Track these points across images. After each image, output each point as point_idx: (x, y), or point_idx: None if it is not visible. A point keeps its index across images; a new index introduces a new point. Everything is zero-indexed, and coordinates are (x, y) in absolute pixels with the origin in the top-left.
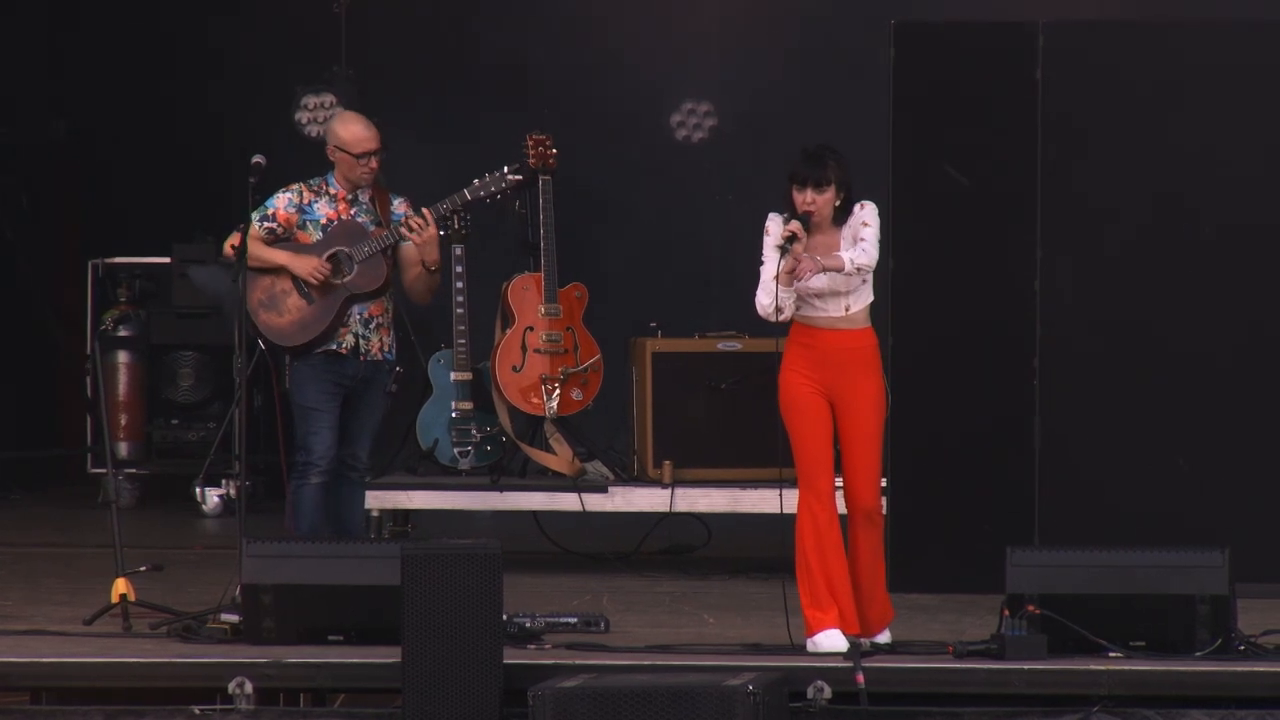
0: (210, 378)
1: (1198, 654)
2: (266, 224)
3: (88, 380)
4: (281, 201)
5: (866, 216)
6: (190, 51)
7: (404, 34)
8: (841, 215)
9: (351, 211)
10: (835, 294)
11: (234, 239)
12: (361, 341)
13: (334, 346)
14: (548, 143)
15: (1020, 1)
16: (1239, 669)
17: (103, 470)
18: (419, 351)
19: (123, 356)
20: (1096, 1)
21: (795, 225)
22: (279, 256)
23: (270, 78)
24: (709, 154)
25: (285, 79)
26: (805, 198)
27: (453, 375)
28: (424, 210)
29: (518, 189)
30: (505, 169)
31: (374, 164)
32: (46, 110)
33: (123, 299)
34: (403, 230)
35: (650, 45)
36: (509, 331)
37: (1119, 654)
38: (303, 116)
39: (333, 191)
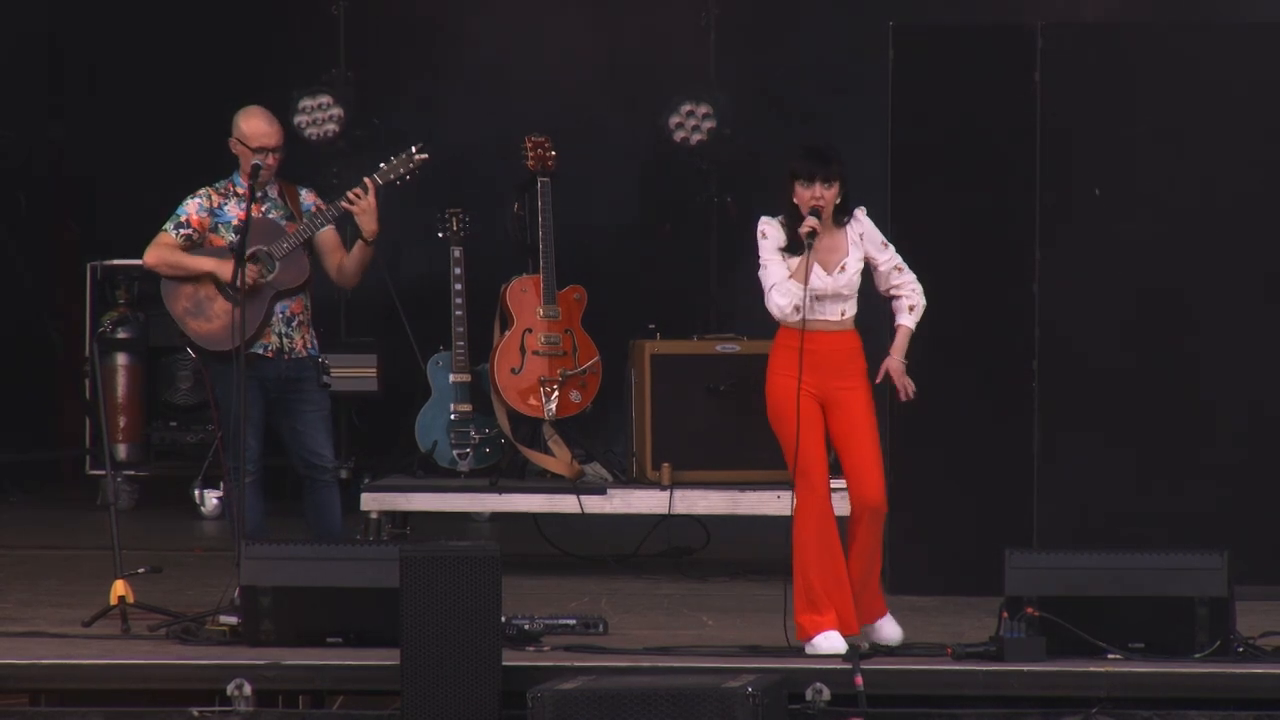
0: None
1: (1196, 656)
2: (182, 231)
3: (86, 382)
4: (192, 207)
5: (876, 231)
6: (189, 53)
7: (402, 35)
8: (840, 214)
9: (263, 209)
10: (837, 298)
11: (155, 252)
12: (285, 341)
13: (258, 350)
14: (546, 144)
15: (1020, 4)
16: (1238, 671)
17: (101, 472)
18: (418, 353)
19: (121, 359)
20: (1095, 4)
21: (813, 221)
22: (204, 264)
23: (269, 79)
24: (707, 156)
25: (284, 81)
26: (814, 192)
27: (451, 377)
28: (365, 179)
29: (421, 168)
30: (413, 148)
31: (270, 160)
32: (45, 112)
33: (121, 301)
34: (342, 203)
35: (649, 46)
36: (507, 333)
37: (1118, 656)
38: (301, 120)
39: (240, 191)
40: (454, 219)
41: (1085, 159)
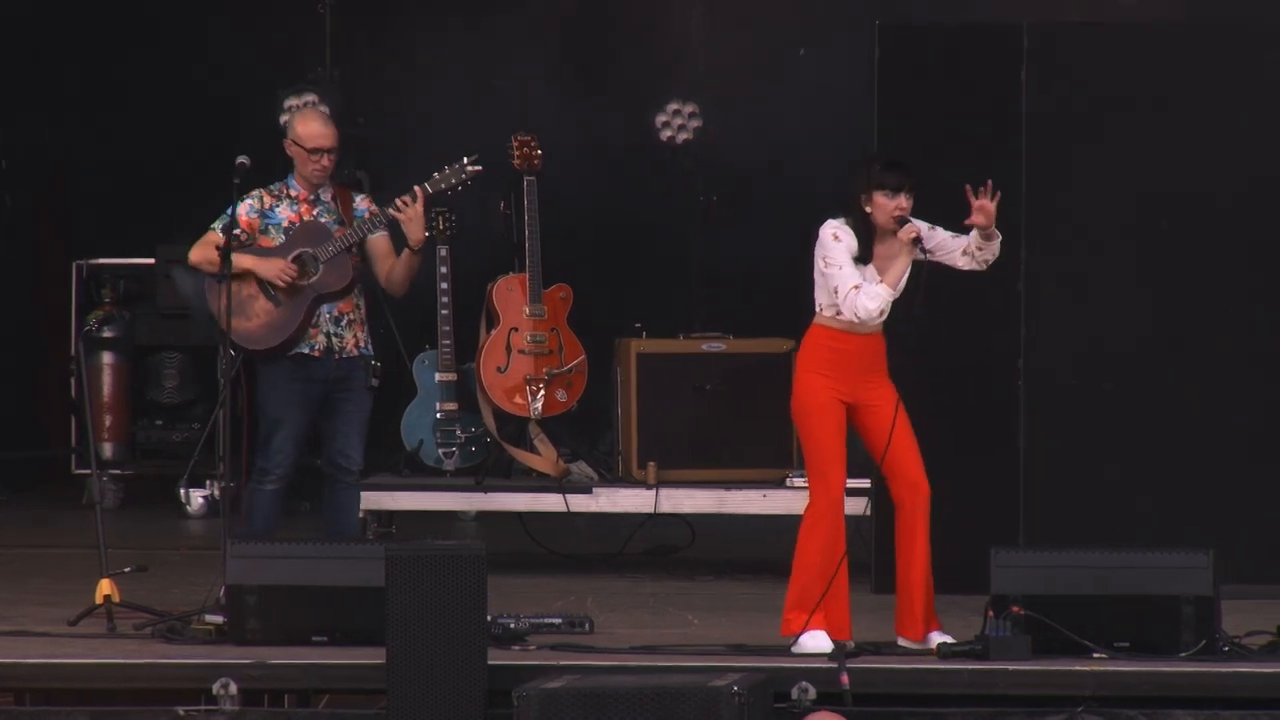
0: (194, 379)
1: (1182, 655)
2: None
3: (72, 381)
4: (243, 208)
5: (923, 223)
6: (176, 52)
7: (387, 33)
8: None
9: (314, 212)
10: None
11: (200, 250)
12: (335, 340)
13: (305, 350)
14: (532, 143)
15: (1007, 2)
16: (1223, 670)
17: (87, 471)
18: (403, 352)
19: (107, 357)
20: (1083, 3)
21: (914, 228)
22: (244, 261)
23: (255, 78)
24: (694, 155)
25: (270, 79)
26: (898, 203)
27: (437, 376)
28: (415, 187)
29: (476, 179)
30: (465, 160)
31: (325, 162)
32: (31, 113)
33: (107, 300)
34: (390, 210)
35: (636, 45)
36: (493, 332)
37: (1103, 655)
38: (287, 118)
39: (293, 194)
40: (440, 218)
41: (1071, 159)
